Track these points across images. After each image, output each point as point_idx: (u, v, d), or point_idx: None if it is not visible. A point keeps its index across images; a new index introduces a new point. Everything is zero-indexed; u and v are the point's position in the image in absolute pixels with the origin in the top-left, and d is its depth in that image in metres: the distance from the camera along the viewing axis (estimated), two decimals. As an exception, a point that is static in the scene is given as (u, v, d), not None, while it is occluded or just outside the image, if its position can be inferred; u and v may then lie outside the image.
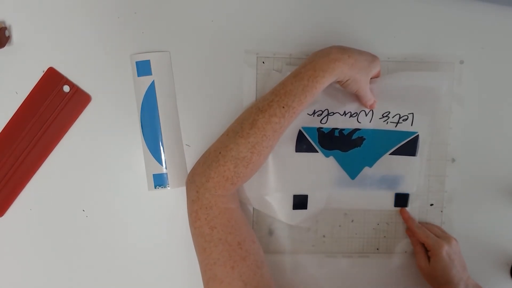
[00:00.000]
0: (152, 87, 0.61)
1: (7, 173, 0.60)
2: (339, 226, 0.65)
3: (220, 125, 0.61)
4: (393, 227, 0.66)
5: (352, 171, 0.63)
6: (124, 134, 0.62)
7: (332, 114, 0.61)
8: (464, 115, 0.65)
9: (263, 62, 0.62)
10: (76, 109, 0.60)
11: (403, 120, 0.63)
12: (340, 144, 0.62)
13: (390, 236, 0.66)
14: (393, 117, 0.62)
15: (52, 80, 0.60)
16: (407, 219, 0.65)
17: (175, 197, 0.63)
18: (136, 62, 0.60)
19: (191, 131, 0.62)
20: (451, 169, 0.66)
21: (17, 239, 0.62)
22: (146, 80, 0.61)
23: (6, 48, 0.58)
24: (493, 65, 0.65)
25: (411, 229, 0.64)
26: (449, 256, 0.59)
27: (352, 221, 0.65)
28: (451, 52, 0.64)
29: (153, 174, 0.62)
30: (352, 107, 0.61)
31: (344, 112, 0.61)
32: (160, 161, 0.62)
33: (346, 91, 0.58)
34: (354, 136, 0.62)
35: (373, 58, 0.56)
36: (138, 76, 0.61)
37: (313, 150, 0.62)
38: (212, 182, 0.52)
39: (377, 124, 0.62)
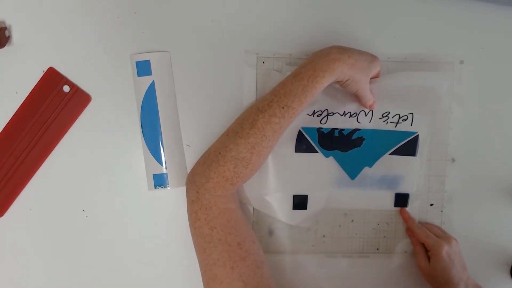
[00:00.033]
0: (152, 87, 0.61)
1: (7, 173, 0.60)
2: (339, 226, 0.65)
3: (220, 125, 0.61)
4: (393, 227, 0.66)
5: (352, 171, 0.63)
6: (124, 134, 0.62)
7: (331, 114, 0.61)
8: (464, 115, 0.65)
9: (263, 62, 0.62)
10: (76, 109, 0.60)
11: (402, 120, 0.62)
12: (340, 144, 0.62)
13: (390, 236, 0.66)
14: (392, 117, 0.62)
15: (52, 80, 0.60)
16: (407, 219, 0.65)
17: (175, 197, 0.63)
18: (136, 62, 0.60)
19: (191, 131, 0.62)
20: (451, 169, 0.66)
21: (17, 239, 0.62)
22: (146, 80, 0.61)
23: (6, 48, 0.58)
24: (493, 65, 0.65)
25: (411, 229, 0.64)
26: (449, 256, 0.59)
27: (352, 221, 0.65)
28: (451, 52, 0.64)
29: (153, 174, 0.62)
30: (352, 107, 0.61)
31: (344, 112, 0.61)
32: (160, 161, 0.62)
33: (346, 91, 0.58)
34: (354, 136, 0.62)
35: (373, 58, 0.56)
36: (138, 76, 0.61)
37: (313, 150, 0.62)
38: (212, 183, 0.52)
39: (376, 124, 0.62)
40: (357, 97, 0.60)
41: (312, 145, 0.62)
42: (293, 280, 0.64)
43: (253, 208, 0.63)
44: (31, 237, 0.62)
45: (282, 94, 0.52)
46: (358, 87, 0.56)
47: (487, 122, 0.65)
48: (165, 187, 0.62)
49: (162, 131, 0.61)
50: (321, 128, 0.62)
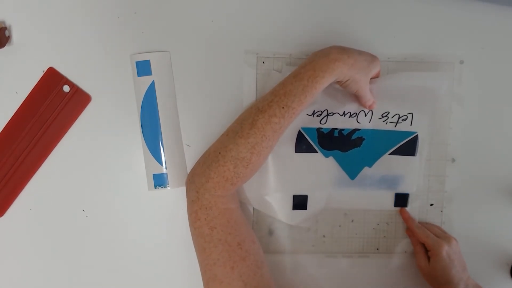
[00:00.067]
0: (152, 87, 0.61)
1: (7, 173, 0.60)
2: (339, 226, 0.65)
3: (220, 125, 0.61)
4: (393, 227, 0.66)
5: (352, 171, 0.63)
6: (124, 134, 0.62)
7: (331, 114, 0.61)
8: (464, 115, 0.65)
9: (263, 62, 0.62)
10: (76, 109, 0.60)
11: (402, 120, 0.63)
12: (339, 144, 0.62)
13: (390, 236, 0.66)
14: (392, 117, 0.62)
15: (52, 80, 0.60)
16: (407, 219, 0.65)
17: (175, 197, 0.63)
18: (136, 62, 0.60)
19: (191, 131, 0.62)
20: (451, 169, 0.66)
21: (17, 239, 0.62)
22: (146, 80, 0.61)
23: (6, 48, 0.58)
24: (493, 65, 0.65)
25: (411, 229, 0.64)
26: (449, 256, 0.59)
27: (352, 221, 0.65)
28: (451, 52, 0.64)
29: (153, 174, 0.62)
30: (352, 107, 0.61)
31: (344, 112, 0.61)
32: (160, 161, 0.62)
33: (345, 91, 0.58)
34: (354, 136, 0.62)
35: (372, 58, 0.56)
36: (138, 76, 0.61)
37: (312, 150, 0.62)
38: (212, 183, 0.52)
39: (376, 124, 0.62)
40: (356, 97, 0.60)
41: (312, 145, 0.62)
42: (293, 280, 0.64)
43: (253, 208, 0.63)
44: (31, 237, 0.62)
45: (282, 94, 0.52)
46: (358, 87, 0.56)
47: (487, 122, 0.65)
48: (165, 187, 0.62)
49: (162, 131, 0.61)
50: (321, 128, 0.62)
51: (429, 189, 0.66)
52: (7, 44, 0.58)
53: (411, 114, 0.62)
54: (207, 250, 0.51)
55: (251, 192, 0.62)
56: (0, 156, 0.60)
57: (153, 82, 0.61)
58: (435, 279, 0.60)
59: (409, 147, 0.63)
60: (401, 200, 0.65)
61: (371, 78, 0.58)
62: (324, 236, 0.65)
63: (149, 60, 0.60)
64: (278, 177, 0.61)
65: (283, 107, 0.52)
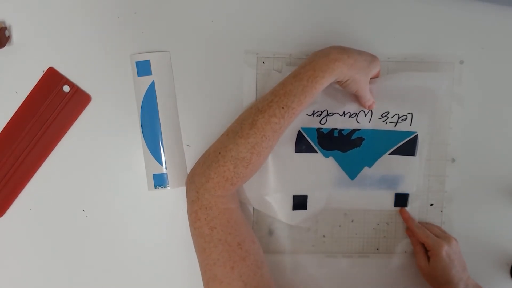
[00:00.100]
0: (152, 87, 0.61)
1: (7, 173, 0.60)
2: (339, 226, 0.65)
3: (220, 125, 0.61)
4: (393, 227, 0.66)
5: (352, 171, 0.63)
6: (124, 134, 0.62)
7: (331, 114, 0.61)
8: (464, 115, 0.65)
9: (263, 62, 0.62)
10: (76, 109, 0.60)
11: (402, 120, 0.63)
12: (339, 144, 0.62)
13: (390, 236, 0.66)
14: (392, 117, 0.62)
15: (52, 80, 0.60)
16: (407, 219, 0.65)
17: (175, 197, 0.63)
18: (136, 62, 0.60)
19: (191, 131, 0.62)
20: (451, 169, 0.66)
21: (17, 239, 0.62)
22: (146, 80, 0.61)
23: (6, 48, 0.58)
24: (493, 65, 0.65)
25: (411, 229, 0.64)
26: (449, 256, 0.59)
27: (352, 221, 0.65)
28: (451, 52, 0.64)
29: (153, 174, 0.62)
30: (352, 107, 0.61)
31: (343, 112, 0.61)
32: (160, 161, 0.62)
33: (345, 91, 0.58)
34: (354, 137, 0.62)
35: (372, 58, 0.56)
36: (138, 76, 0.61)
37: (312, 150, 0.62)
38: (212, 183, 0.52)
39: (376, 124, 0.62)
40: (356, 97, 0.60)
41: (311, 145, 0.62)
42: (293, 280, 0.64)
43: (253, 208, 0.63)
44: (31, 237, 0.62)
45: (282, 94, 0.52)
46: (358, 87, 0.56)
47: (487, 122, 0.65)
48: (165, 187, 0.62)
49: (162, 131, 0.61)
50: (321, 128, 0.62)
51: (429, 189, 0.66)
52: (7, 44, 0.58)
53: (411, 114, 0.62)
54: (207, 250, 0.51)
55: (251, 192, 0.62)
56: (0, 156, 0.60)
57: (153, 82, 0.61)
58: (435, 279, 0.60)
59: (409, 147, 0.63)
60: (401, 200, 0.65)
61: (371, 78, 0.58)
62: (324, 236, 0.65)
63: (149, 60, 0.60)
64: (278, 177, 0.61)
65: (283, 107, 0.52)
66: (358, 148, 0.63)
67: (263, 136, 0.52)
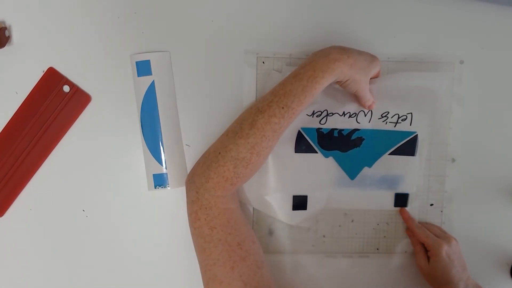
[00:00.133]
0: (152, 87, 0.61)
1: (7, 173, 0.60)
2: (339, 226, 0.65)
3: (220, 125, 0.61)
4: (393, 227, 0.66)
5: (352, 171, 0.63)
6: (124, 134, 0.62)
7: (331, 114, 0.61)
8: (464, 115, 0.65)
9: (263, 62, 0.62)
10: (76, 109, 0.61)
11: (402, 120, 0.63)
12: (339, 144, 0.62)
13: (390, 236, 0.66)
14: (392, 117, 0.62)
15: (52, 80, 0.60)
16: (407, 219, 0.65)
17: (175, 197, 0.63)
18: (136, 62, 0.60)
19: (191, 131, 0.62)
20: (451, 169, 0.66)
21: (17, 239, 0.62)
22: (146, 80, 0.61)
23: (6, 48, 0.58)
24: (493, 65, 0.65)
25: (411, 229, 0.64)
26: (449, 256, 0.59)
27: (352, 221, 0.65)
28: (451, 52, 0.64)
29: (153, 174, 0.62)
30: (351, 107, 0.61)
31: (343, 112, 0.61)
32: (160, 161, 0.62)
33: (345, 91, 0.58)
34: (353, 137, 0.62)
35: (372, 58, 0.56)
36: (138, 76, 0.61)
37: (312, 150, 0.62)
38: (212, 183, 0.52)
39: (376, 124, 0.62)
40: (356, 97, 0.60)
41: (311, 146, 0.62)
42: (293, 280, 0.64)
43: (253, 208, 0.63)
44: (31, 237, 0.62)
45: (282, 94, 0.52)
46: (358, 87, 0.56)
47: (487, 122, 0.65)
48: (165, 187, 0.62)
49: (162, 131, 0.61)
50: (321, 128, 0.62)
51: (429, 189, 0.66)
52: (7, 44, 0.58)
53: (410, 114, 0.62)
54: (207, 250, 0.51)
55: (251, 192, 0.62)
56: (0, 156, 0.60)
57: (153, 82, 0.61)
58: (435, 279, 0.60)
59: (409, 147, 0.63)
60: (401, 200, 0.65)
61: (371, 78, 0.58)
62: (324, 236, 0.65)
63: (149, 60, 0.60)
64: (278, 177, 0.61)
65: (282, 107, 0.52)
66: (358, 148, 0.63)
67: (263, 136, 0.52)
